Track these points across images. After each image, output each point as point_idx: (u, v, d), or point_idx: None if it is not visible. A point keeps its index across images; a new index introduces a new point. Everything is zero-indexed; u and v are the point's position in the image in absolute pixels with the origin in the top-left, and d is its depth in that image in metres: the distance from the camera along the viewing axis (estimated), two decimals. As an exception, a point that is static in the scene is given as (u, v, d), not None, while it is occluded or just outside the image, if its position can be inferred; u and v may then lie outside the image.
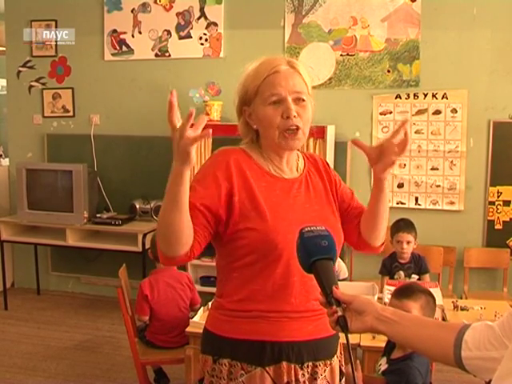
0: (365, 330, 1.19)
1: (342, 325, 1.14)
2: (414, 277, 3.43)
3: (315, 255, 1.18)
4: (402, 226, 3.50)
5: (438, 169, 4.31)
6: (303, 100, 1.50)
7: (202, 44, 4.66)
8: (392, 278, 3.46)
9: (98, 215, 4.67)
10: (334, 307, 1.15)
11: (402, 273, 3.45)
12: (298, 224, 1.28)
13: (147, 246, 4.11)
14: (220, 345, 1.53)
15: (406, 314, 1.24)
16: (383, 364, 2.18)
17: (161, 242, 1.42)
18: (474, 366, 1.09)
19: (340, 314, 1.14)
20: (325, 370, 1.54)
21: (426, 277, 3.46)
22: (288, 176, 1.58)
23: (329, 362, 1.56)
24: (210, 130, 1.23)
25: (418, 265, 3.47)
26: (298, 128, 1.49)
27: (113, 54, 4.86)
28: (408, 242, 3.45)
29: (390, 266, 3.52)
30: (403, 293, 2.18)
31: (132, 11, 4.77)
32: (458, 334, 1.11)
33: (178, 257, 1.42)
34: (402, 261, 3.48)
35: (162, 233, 1.40)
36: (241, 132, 1.61)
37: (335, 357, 1.59)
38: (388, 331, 1.17)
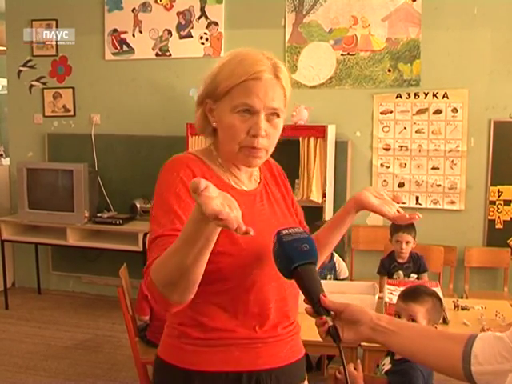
0: (360, 340, 1.14)
1: (334, 335, 1.07)
2: (413, 276, 3.43)
3: (297, 261, 1.10)
4: (402, 226, 3.49)
5: (438, 168, 4.31)
6: (277, 116, 1.30)
7: (202, 43, 4.65)
8: (391, 277, 3.45)
9: (98, 215, 4.67)
10: (324, 317, 1.09)
11: (401, 272, 3.45)
12: (268, 245, 1.18)
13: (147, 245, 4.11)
14: (186, 380, 1.30)
15: (404, 323, 1.20)
16: (386, 364, 2.17)
17: (169, 290, 1.13)
18: (485, 381, 1.05)
19: (331, 323, 1.08)
20: None
21: (425, 276, 3.47)
22: (248, 188, 1.38)
23: None
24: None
25: (417, 264, 3.48)
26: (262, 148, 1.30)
27: (113, 54, 4.86)
28: (407, 243, 3.46)
29: (388, 266, 3.51)
30: (410, 296, 2.17)
31: (132, 11, 4.77)
32: (466, 346, 1.07)
33: (183, 303, 1.16)
34: (401, 260, 3.48)
35: (175, 281, 1.11)
36: (197, 125, 1.40)
37: (305, 381, 1.45)
38: (386, 342, 1.12)
